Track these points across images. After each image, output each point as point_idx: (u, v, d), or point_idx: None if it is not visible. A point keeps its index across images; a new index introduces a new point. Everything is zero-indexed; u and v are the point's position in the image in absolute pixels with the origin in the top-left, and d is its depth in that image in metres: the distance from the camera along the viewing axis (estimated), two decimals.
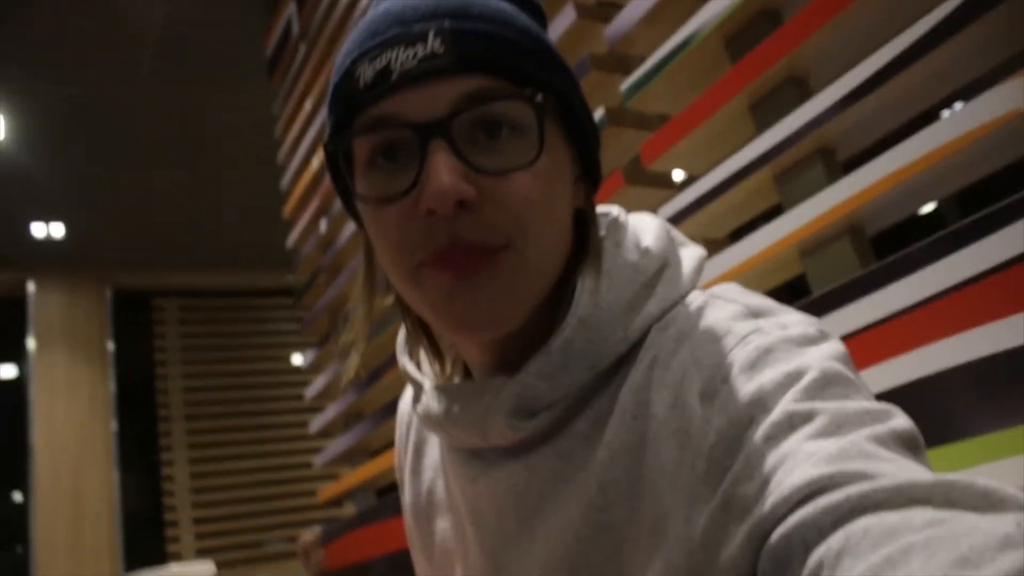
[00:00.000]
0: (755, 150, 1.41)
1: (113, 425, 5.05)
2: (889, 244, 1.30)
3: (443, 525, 0.78)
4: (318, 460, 3.15)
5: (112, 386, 5.13)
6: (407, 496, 0.84)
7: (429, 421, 0.71)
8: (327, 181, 2.95)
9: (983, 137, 1.08)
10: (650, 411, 0.61)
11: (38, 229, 4.84)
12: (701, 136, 1.56)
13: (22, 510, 4.84)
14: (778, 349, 0.57)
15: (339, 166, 0.66)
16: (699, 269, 0.71)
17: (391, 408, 2.55)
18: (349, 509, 3.16)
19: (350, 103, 0.62)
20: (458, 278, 0.60)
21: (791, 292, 1.46)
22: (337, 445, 2.98)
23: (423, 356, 0.77)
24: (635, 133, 1.76)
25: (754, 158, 1.41)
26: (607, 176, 1.76)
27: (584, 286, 0.65)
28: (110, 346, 5.20)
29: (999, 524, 0.39)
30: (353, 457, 2.95)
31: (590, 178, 0.70)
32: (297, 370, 5.61)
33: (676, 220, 1.57)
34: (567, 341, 0.64)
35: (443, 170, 0.57)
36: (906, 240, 1.14)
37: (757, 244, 1.40)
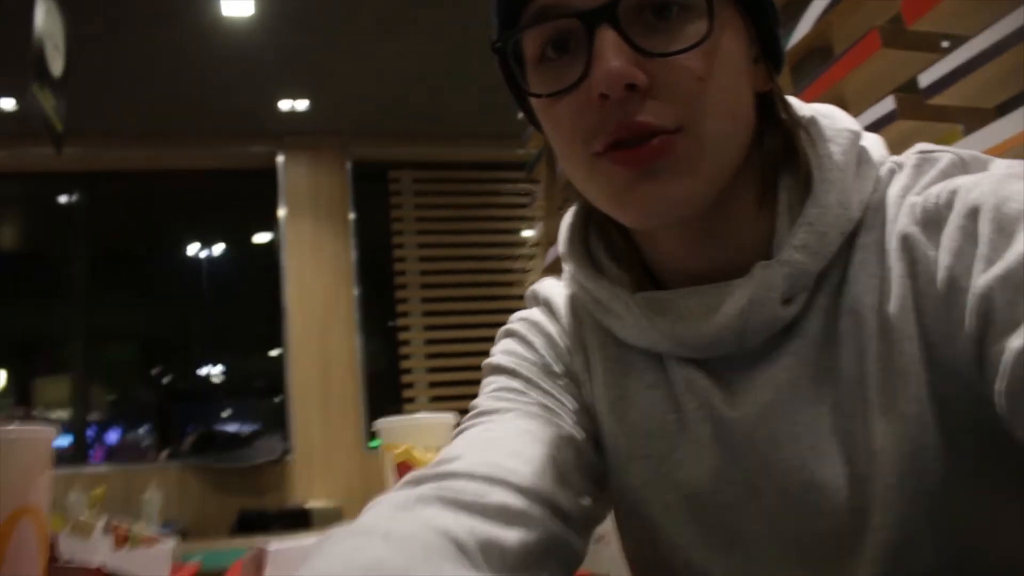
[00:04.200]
0: None
1: (355, 290, 5.37)
2: None
3: (681, 453, 0.71)
4: None
5: (354, 254, 5.42)
6: (611, 437, 0.74)
7: (650, 335, 0.69)
8: None
9: None
10: (885, 267, 0.62)
11: (285, 103, 5.09)
12: None
13: (280, 363, 5.28)
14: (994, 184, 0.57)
15: (510, 66, 0.66)
16: (877, 138, 0.71)
17: None
18: None
19: None
20: (635, 170, 0.59)
21: None
22: None
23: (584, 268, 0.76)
24: None
25: None
26: (862, 37, 1.58)
27: (816, 152, 0.65)
28: (351, 215, 5.47)
29: None
30: None
31: (772, 59, 0.67)
32: (527, 243, 5.68)
33: (939, 88, 1.38)
34: (823, 208, 0.63)
35: (611, 54, 0.57)
36: None
37: None
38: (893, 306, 0.61)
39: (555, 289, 0.83)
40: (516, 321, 0.83)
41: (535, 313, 0.83)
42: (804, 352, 0.64)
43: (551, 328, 0.80)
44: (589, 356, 0.77)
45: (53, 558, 0.84)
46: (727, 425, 0.67)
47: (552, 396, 0.74)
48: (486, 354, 0.82)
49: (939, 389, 0.59)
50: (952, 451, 0.58)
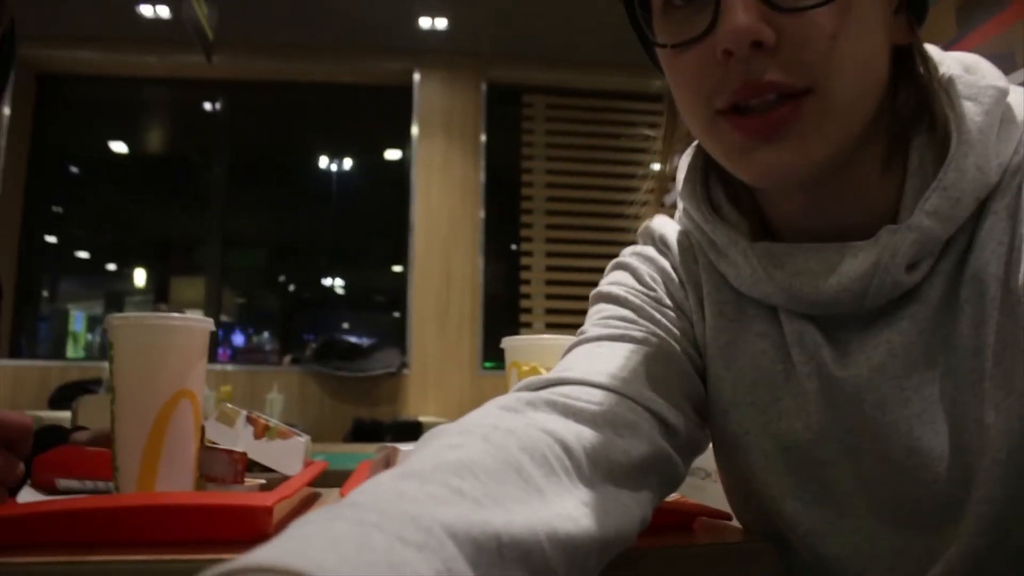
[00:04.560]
0: None
1: (481, 212, 5.42)
2: None
3: (785, 404, 0.71)
4: None
5: (482, 176, 5.45)
6: (724, 382, 0.74)
7: (766, 287, 0.68)
8: None
9: None
10: (1016, 234, 0.58)
11: (425, 21, 5.11)
12: None
13: (401, 279, 5.40)
14: None
15: (636, 14, 0.64)
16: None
17: None
18: None
19: None
20: (755, 138, 0.58)
21: None
22: None
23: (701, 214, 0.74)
24: None
25: None
26: None
27: (956, 111, 0.61)
28: (482, 137, 5.50)
29: None
30: None
31: (914, 8, 0.63)
32: (651, 176, 5.60)
33: None
34: (960, 172, 0.60)
35: (738, 8, 0.54)
36: None
37: None
38: (1021, 277, 0.58)
39: (669, 227, 0.84)
40: (628, 255, 0.83)
41: (648, 249, 0.83)
42: (922, 317, 0.63)
43: (664, 263, 0.80)
44: (703, 296, 0.76)
45: (201, 439, 0.91)
46: (835, 383, 0.66)
47: (662, 325, 0.74)
48: None
49: None
50: None
